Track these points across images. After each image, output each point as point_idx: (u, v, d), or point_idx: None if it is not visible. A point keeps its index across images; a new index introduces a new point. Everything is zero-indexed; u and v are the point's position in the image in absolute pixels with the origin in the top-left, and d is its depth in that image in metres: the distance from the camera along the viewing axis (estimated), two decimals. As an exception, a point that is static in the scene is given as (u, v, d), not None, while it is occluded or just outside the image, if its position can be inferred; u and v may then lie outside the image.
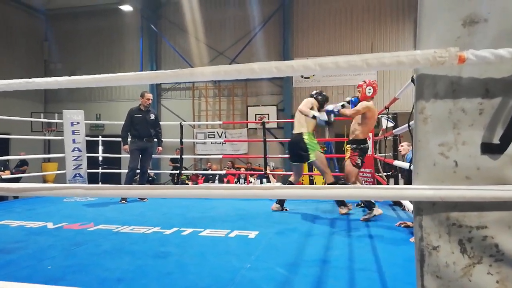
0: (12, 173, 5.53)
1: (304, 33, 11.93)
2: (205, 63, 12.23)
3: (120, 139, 5.32)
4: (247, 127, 12.10)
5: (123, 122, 5.24)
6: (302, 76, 11.84)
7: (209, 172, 9.36)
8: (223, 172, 8.88)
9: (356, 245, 2.86)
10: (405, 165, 2.50)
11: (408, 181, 4.33)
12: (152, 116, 5.35)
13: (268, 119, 11.41)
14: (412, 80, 2.33)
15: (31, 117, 10.85)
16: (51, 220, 3.81)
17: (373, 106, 3.91)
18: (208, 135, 12.41)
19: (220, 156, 9.14)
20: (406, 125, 2.32)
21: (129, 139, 5.26)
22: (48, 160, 12.19)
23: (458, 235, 0.82)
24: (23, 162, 9.55)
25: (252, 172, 9.83)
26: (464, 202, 0.81)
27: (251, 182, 9.51)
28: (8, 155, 10.22)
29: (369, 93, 3.84)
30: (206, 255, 2.68)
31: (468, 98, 0.83)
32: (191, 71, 0.91)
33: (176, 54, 12.55)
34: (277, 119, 11.71)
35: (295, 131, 4.30)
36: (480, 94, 0.83)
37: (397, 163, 3.05)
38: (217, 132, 12.32)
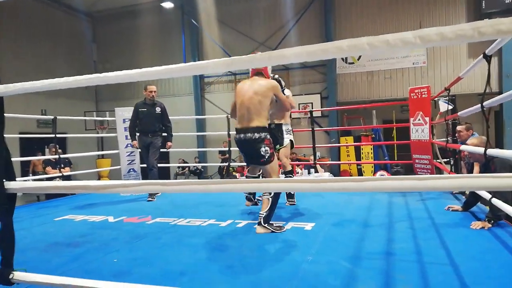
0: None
1: (346, 15, 11.52)
2: (246, 54, 12.24)
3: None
4: (290, 117, 11.95)
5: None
6: (345, 62, 11.49)
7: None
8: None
9: (422, 237, 2.69)
10: (479, 150, 2.28)
11: (471, 170, 4.03)
12: (158, 110, 5.00)
13: (312, 108, 11.19)
14: (485, 56, 2.11)
15: (84, 116, 11.43)
16: (111, 214, 3.95)
17: (239, 84, 3.54)
18: (252, 126, 12.38)
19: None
20: (479, 105, 2.11)
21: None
22: (102, 156, 12.79)
23: None
24: (67, 163, 9.58)
25: (298, 162, 9.72)
26: None
27: (298, 173, 9.40)
28: (65, 153, 10.83)
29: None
30: (264, 248, 2.64)
31: None
32: (269, 54, 0.85)
33: (218, 48, 12.62)
34: (321, 107, 11.46)
35: (278, 122, 4.07)
36: None
37: (464, 147, 2.81)
38: (261, 123, 12.26)
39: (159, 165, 5.02)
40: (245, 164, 3.87)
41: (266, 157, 3.02)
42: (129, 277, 2.13)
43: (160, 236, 3.04)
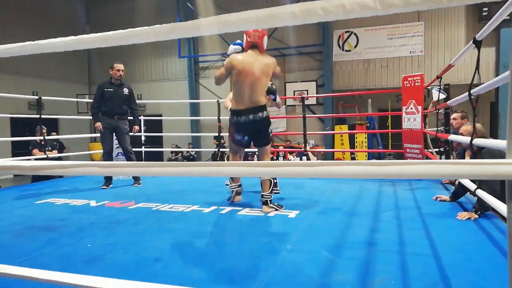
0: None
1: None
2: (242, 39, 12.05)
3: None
4: (285, 104, 11.85)
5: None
6: (342, 49, 11.33)
7: (249, 149, 9.25)
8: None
9: (407, 227, 2.63)
10: (465, 139, 2.21)
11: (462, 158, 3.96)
12: (126, 91, 4.67)
13: (307, 95, 11.08)
14: (475, 42, 2.01)
15: (77, 99, 11.26)
16: (94, 198, 3.88)
17: (239, 59, 3.10)
18: (247, 113, 12.28)
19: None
20: (466, 93, 2.03)
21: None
22: (94, 139, 12.68)
23: None
24: (55, 145, 9.00)
25: (291, 149, 9.65)
26: None
27: (290, 160, 9.34)
28: (57, 135, 10.71)
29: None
30: (244, 235, 2.58)
31: None
32: (217, 19, 0.76)
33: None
34: (317, 94, 11.35)
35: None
36: None
37: (453, 137, 2.74)
38: (255, 109, 12.16)
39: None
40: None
41: (270, 136, 3.22)
42: (100, 263, 2.06)
43: (141, 221, 2.98)
